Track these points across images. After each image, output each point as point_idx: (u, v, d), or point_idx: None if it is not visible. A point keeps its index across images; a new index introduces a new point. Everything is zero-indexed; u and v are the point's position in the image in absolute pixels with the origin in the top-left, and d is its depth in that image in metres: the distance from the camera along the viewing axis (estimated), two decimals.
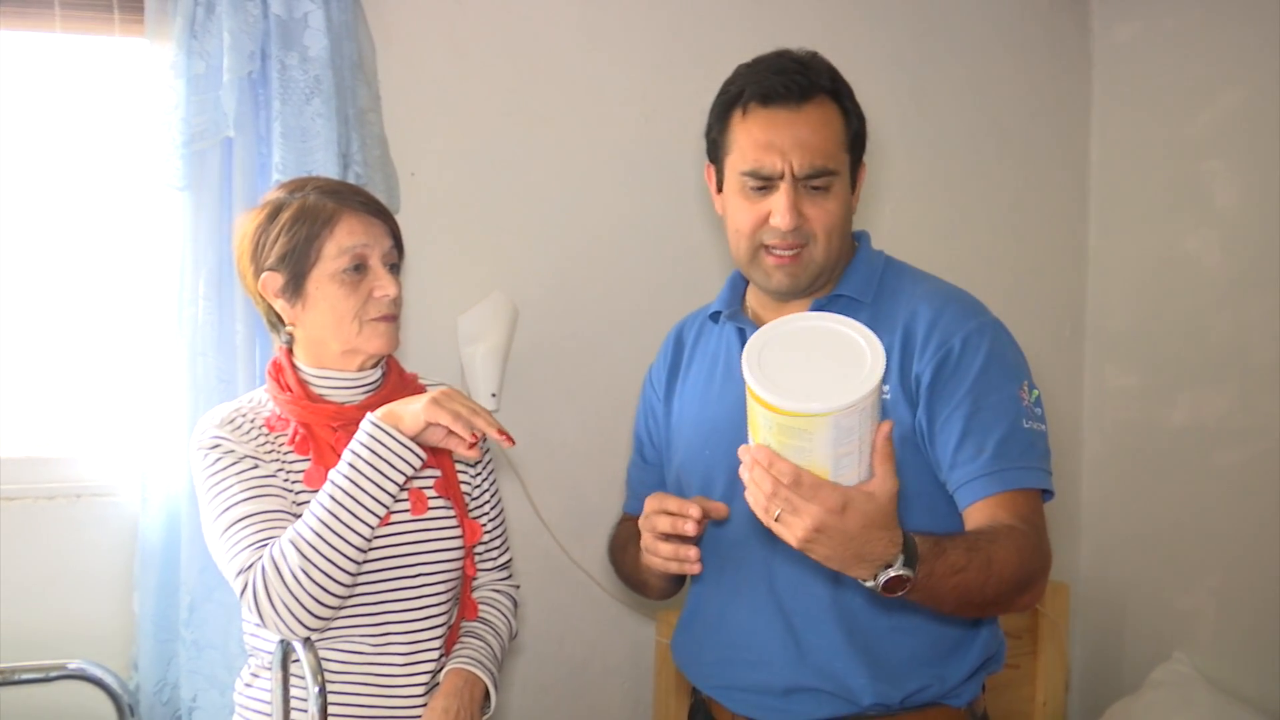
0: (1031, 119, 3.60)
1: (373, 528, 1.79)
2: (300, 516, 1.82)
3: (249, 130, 2.57)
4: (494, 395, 2.84)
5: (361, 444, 1.79)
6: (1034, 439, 1.71)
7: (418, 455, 1.81)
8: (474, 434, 1.82)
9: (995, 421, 1.68)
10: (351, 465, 1.78)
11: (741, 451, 1.44)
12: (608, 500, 3.14)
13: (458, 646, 1.98)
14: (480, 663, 1.95)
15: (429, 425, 1.81)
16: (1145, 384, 3.49)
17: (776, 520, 1.42)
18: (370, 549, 1.85)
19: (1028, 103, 3.59)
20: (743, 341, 1.84)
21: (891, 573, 1.45)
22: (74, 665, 2.49)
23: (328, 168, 2.54)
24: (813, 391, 1.37)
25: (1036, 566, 1.65)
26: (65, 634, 2.58)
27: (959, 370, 1.70)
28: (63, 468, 2.67)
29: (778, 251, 1.77)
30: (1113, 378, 3.57)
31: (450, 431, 1.82)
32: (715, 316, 1.96)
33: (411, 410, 1.81)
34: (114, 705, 2.51)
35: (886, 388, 1.69)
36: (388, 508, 1.81)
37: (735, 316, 1.90)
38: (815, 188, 1.74)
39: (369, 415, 1.82)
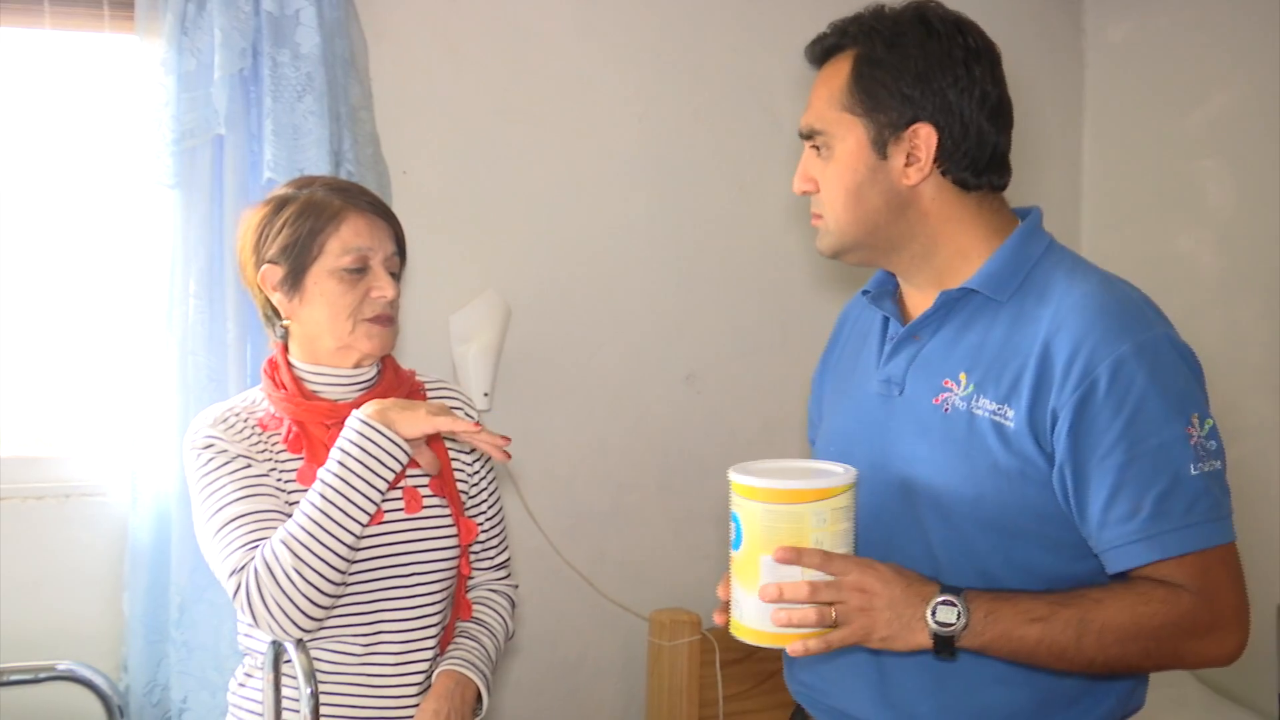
0: (1024, 118, 3.53)
1: (363, 525, 1.78)
2: (285, 506, 1.82)
3: (240, 128, 2.56)
4: (486, 394, 2.83)
5: (350, 441, 1.78)
6: (1206, 486, 1.47)
7: (405, 451, 1.80)
8: (476, 423, 1.82)
9: (1155, 473, 1.45)
10: (341, 464, 1.77)
11: (765, 589, 1.43)
12: (600, 500, 3.14)
13: (451, 647, 1.97)
14: (472, 664, 1.93)
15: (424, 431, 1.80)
16: None
17: (834, 624, 1.43)
18: (363, 547, 1.84)
19: (1020, 101, 3.52)
20: (884, 328, 1.73)
21: (939, 599, 1.44)
22: (63, 666, 2.48)
23: (319, 165, 2.53)
24: (821, 473, 1.50)
25: (1185, 630, 1.48)
26: (55, 635, 2.56)
27: (1107, 408, 1.45)
28: (52, 467, 2.66)
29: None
30: None
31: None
32: (865, 293, 1.79)
33: (410, 416, 1.80)
34: (104, 706, 2.50)
35: (1012, 413, 1.51)
36: (378, 505, 1.79)
37: (880, 300, 1.73)
38: (820, 151, 1.63)
39: (355, 412, 1.81)
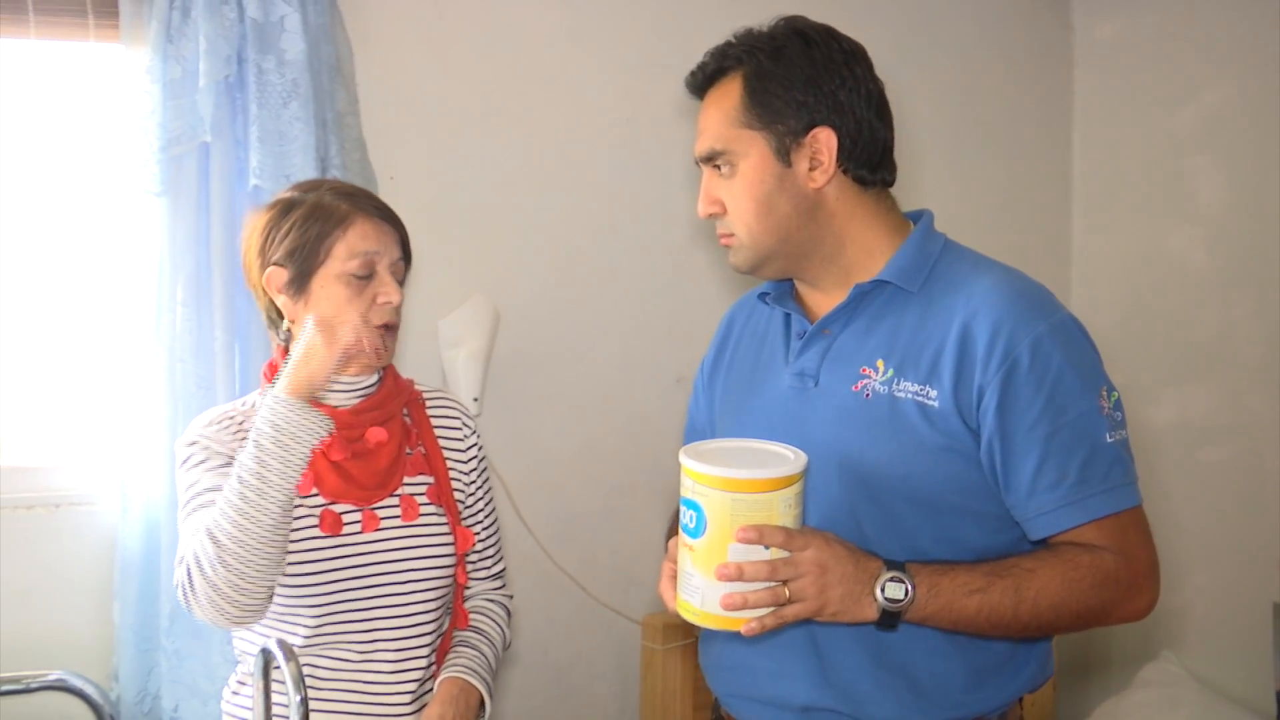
0: (1014, 117, 3.59)
1: (284, 505, 1.73)
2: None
3: (226, 135, 2.56)
4: (476, 399, 2.83)
5: (265, 419, 1.74)
6: (1119, 453, 1.58)
7: (324, 423, 1.76)
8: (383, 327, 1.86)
9: (1076, 443, 1.56)
10: (256, 443, 1.73)
11: (723, 568, 1.44)
12: (591, 503, 3.13)
13: (451, 655, 1.96)
14: (475, 671, 1.93)
15: (344, 355, 1.79)
16: (1130, 382, 3.48)
17: (788, 602, 1.46)
18: (359, 554, 1.84)
19: (1010, 100, 3.59)
20: (788, 327, 1.77)
21: (887, 575, 1.49)
22: (54, 676, 2.48)
23: (306, 172, 2.53)
24: (774, 461, 1.48)
25: (1111, 595, 1.57)
26: (45, 644, 2.56)
27: (1030, 384, 1.55)
28: (42, 477, 2.65)
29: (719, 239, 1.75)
30: None
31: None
32: (764, 296, 1.85)
33: (318, 360, 1.76)
34: (95, 716, 2.49)
35: (935, 393, 1.59)
36: (296, 482, 1.75)
37: (782, 300, 1.78)
38: (722, 174, 1.68)
39: (270, 390, 1.77)
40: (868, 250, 1.69)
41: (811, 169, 1.65)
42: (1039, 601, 1.53)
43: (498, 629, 2.05)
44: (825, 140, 1.64)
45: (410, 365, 2.66)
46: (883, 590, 1.49)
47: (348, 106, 2.69)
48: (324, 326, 1.78)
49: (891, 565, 1.51)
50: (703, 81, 1.72)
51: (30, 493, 2.61)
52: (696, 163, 1.73)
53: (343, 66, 2.69)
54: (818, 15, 1.72)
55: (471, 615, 2.03)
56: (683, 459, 1.49)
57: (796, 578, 1.46)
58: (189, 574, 1.72)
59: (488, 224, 2.99)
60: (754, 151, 1.66)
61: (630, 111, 3.12)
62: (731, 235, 1.70)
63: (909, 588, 1.49)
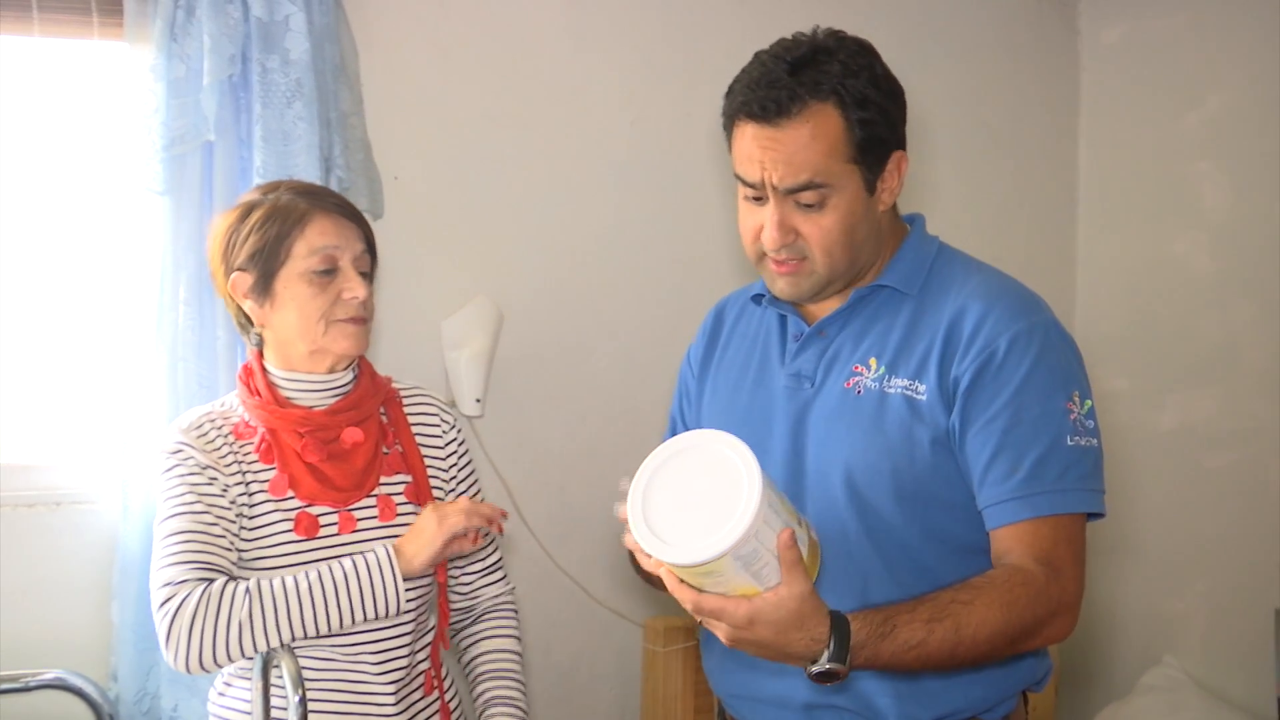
0: (1019, 121, 3.59)
1: (321, 633, 1.81)
2: (238, 531, 1.85)
3: (230, 134, 2.55)
4: (478, 400, 2.83)
5: (369, 564, 1.82)
6: (1078, 457, 1.57)
7: (400, 607, 1.84)
8: (494, 522, 1.91)
9: (1034, 437, 1.55)
10: (348, 575, 1.81)
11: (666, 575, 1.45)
12: (593, 506, 3.12)
13: (497, 687, 2.03)
14: (522, 712, 2.01)
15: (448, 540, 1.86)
16: (1134, 387, 3.48)
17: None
18: (339, 556, 1.86)
19: (1016, 104, 3.58)
20: (783, 328, 1.76)
21: (815, 669, 1.43)
22: (53, 674, 2.46)
23: (309, 172, 2.52)
24: (709, 526, 1.37)
25: (1042, 612, 1.52)
26: (44, 643, 2.55)
27: (1001, 376, 1.56)
28: (42, 475, 2.64)
29: (775, 262, 1.66)
30: (1101, 381, 3.54)
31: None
32: (758, 299, 1.83)
33: (424, 540, 1.84)
34: (94, 715, 2.48)
35: (923, 387, 1.59)
36: (345, 628, 1.83)
37: (776, 302, 1.76)
38: (806, 204, 1.60)
39: (388, 546, 1.85)
40: (875, 259, 1.71)
41: (883, 193, 1.66)
42: (977, 636, 1.48)
43: (517, 640, 2.10)
44: (897, 162, 1.65)
45: (413, 366, 2.67)
46: (816, 671, 1.44)
47: (352, 107, 2.68)
48: (437, 510, 1.86)
49: (837, 650, 1.42)
50: (785, 107, 1.59)
51: (31, 491, 2.60)
52: (756, 185, 1.63)
53: (347, 67, 2.68)
54: (825, 19, 1.71)
55: (494, 656, 2.07)
56: (627, 510, 1.47)
57: (710, 626, 1.46)
58: (193, 609, 1.75)
59: (491, 225, 2.98)
60: (850, 185, 1.62)
61: (635, 114, 3.11)
62: (800, 261, 1.65)
63: (842, 670, 1.43)
